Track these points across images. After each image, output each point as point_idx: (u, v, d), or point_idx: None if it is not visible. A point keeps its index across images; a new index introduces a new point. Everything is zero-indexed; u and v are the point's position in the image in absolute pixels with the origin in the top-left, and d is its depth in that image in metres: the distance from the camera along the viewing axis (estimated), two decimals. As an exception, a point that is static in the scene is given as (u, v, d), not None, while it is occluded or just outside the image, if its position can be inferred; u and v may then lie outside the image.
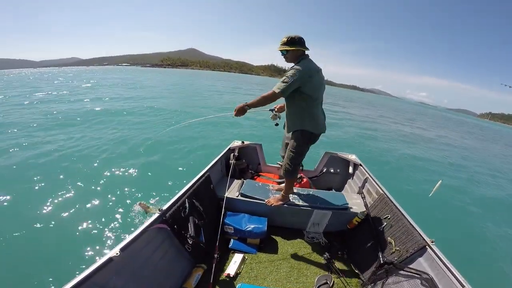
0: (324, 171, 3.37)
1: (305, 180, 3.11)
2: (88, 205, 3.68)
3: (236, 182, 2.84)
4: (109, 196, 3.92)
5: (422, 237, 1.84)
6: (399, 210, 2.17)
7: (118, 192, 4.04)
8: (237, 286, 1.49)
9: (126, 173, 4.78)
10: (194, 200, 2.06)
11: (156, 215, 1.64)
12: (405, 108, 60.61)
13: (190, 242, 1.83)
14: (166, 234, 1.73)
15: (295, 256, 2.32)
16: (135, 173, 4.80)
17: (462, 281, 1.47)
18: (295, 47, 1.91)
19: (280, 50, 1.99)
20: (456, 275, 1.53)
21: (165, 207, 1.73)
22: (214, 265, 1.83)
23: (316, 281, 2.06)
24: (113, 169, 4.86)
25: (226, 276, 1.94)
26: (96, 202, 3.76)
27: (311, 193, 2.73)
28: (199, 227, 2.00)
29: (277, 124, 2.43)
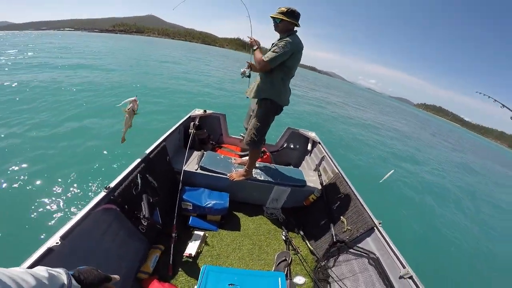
0: (284, 146, 3.40)
1: (267, 154, 3.10)
2: (28, 187, 3.11)
3: (196, 154, 2.66)
4: (48, 175, 3.37)
5: (371, 219, 1.94)
6: (352, 190, 2.25)
7: (59, 171, 3.48)
8: (201, 268, 1.41)
9: (67, 149, 4.14)
10: (147, 175, 1.83)
11: (102, 194, 1.40)
12: (357, 93, 65.47)
13: (144, 223, 1.65)
14: (115, 215, 1.52)
15: (256, 233, 2.32)
16: (72, 149, 4.17)
17: (403, 263, 1.58)
18: (291, 20, 1.90)
19: (274, 17, 1.94)
20: (399, 256, 1.64)
21: (112, 185, 1.49)
22: (172, 245, 1.70)
23: (275, 258, 2.11)
24: (49, 142, 4.16)
25: (187, 257, 1.84)
26: (37, 182, 3.21)
27: (272, 168, 2.72)
28: (153, 205, 1.82)
29: (247, 77, 2.37)
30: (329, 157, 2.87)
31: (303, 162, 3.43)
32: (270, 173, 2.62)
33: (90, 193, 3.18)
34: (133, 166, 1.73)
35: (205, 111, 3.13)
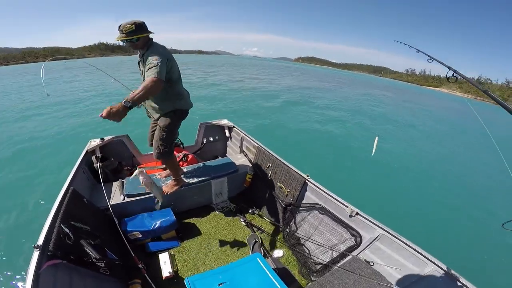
0: (204, 142, 3.49)
1: (190, 156, 3.14)
2: None
3: (116, 185, 2.47)
4: None
5: (300, 174, 2.21)
6: (275, 157, 2.53)
7: None
8: (185, 281, 1.42)
9: None
10: (72, 223, 1.64)
11: (36, 254, 1.24)
12: (245, 63, 69.41)
13: (102, 265, 1.54)
14: (66, 268, 1.37)
15: (217, 231, 2.41)
16: None
17: (344, 203, 1.86)
18: (145, 33, 1.82)
19: (127, 40, 1.77)
20: (337, 198, 1.90)
21: (40, 242, 1.32)
22: (146, 275, 1.68)
23: (247, 243, 2.25)
24: None
25: (166, 279, 1.86)
26: None
27: (201, 166, 2.78)
28: (99, 246, 1.69)
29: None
30: (247, 136, 3.13)
31: (228, 149, 3.64)
32: (201, 171, 2.67)
33: (19, 258, 2.66)
34: (50, 218, 1.53)
35: (102, 139, 2.80)
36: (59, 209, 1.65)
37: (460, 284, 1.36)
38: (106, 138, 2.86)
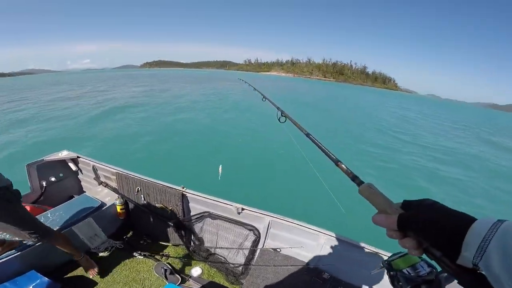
0: (44, 185, 2.70)
1: (28, 208, 2.40)
2: None
3: None
4: None
5: (175, 189, 2.12)
6: (142, 178, 2.31)
7: None
8: None
9: None
10: None
11: None
12: (69, 79, 54.33)
13: None
14: None
15: (116, 275, 2.10)
16: None
17: (226, 202, 1.90)
18: None
19: None
20: (218, 199, 1.95)
21: None
22: None
23: (157, 274, 2.09)
24: None
25: None
26: None
27: (49, 215, 2.25)
28: None
29: None
30: (99, 164, 2.68)
31: (82, 183, 3.02)
32: (54, 221, 2.17)
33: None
34: None
35: None
36: None
37: (353, 243, 1.63)
38: None
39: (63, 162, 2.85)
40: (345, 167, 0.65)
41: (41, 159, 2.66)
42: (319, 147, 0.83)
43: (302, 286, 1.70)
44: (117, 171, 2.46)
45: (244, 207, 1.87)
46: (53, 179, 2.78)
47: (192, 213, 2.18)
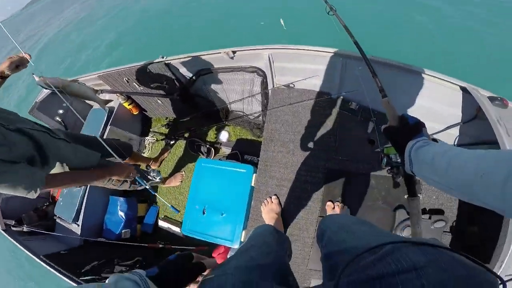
0: (60, 120, 2.62)
1: None
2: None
3: None
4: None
5: (156, 62, 1.86)
6: (118, 68, 2.12)
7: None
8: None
9: None
10: None
11: None
12: None
13: None
14: None
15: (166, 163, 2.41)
16: None
17: (216, 51, 1.67)
18: None
19: None
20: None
21: None
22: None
23: (190, 151, 2.22)
24: None
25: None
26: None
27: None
28: None
29: None
30: (80, 77, 2.34)
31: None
32: None
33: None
34: None
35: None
36: None
37: (380, 60, 1.33)
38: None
39: (54, 95, 2.42)
40: (379, 83, 0.85)
41: (34, 102, 2.48)
42: (363, 57, 0.95)
43: (325, 121, 1.52)
44: (99, 74, 2.24)
45: (234, 49, 1.59)
46: (60, 111, 2.62)
47: (187, 78, 1.99)
